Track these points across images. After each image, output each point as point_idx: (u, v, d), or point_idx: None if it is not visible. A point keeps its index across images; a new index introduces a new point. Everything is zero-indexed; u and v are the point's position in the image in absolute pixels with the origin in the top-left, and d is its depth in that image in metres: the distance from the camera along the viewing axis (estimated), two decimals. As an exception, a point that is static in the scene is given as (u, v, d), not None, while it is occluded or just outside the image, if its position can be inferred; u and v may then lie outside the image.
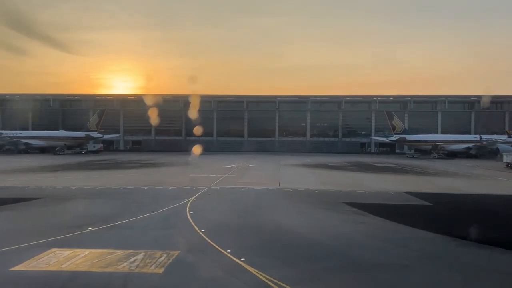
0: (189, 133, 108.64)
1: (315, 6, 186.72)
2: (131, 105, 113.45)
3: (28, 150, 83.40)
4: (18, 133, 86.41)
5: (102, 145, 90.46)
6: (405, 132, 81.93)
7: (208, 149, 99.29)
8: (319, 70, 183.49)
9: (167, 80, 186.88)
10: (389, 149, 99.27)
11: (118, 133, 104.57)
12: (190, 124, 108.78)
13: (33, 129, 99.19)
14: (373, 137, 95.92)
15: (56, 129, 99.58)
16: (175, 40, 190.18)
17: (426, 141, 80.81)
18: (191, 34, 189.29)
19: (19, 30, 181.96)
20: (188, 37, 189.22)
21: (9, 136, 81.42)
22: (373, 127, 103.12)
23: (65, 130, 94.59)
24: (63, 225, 16.80)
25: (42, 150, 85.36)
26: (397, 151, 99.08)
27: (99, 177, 37.29)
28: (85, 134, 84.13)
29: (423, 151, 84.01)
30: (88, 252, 12.61)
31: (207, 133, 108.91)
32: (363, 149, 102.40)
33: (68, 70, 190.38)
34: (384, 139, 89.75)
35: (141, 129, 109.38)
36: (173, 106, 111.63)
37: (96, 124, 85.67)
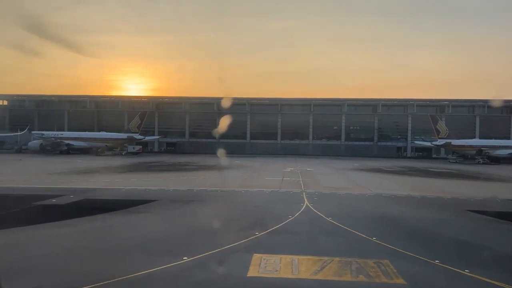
0: (223, 135, 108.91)
1: (339, 8, 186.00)
2: (165, 107, 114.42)
3: (70, 151, 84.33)
4: (59, 134, 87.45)
5: (141, 146, 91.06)
6: (449, 136, 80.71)
7: (241, 152, 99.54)
8: (335, 73, 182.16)
9: (180, 82, 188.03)
10: (424, 153, 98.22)
11: (153, 134, 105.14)
12: (223, 126, 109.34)
13: (69, 130, 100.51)
14: (416, 141, 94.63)
15: (92, 130, 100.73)
16: (187, 43, 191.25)
17: (471, 146, 79.51)
18: (203, 37, 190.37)
19: (33, 32, 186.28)
20: (200, 41, 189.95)
21: (53, 137, 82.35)
22: (409, 131, 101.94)
23: (99, 132, 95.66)
24: (223, 229, 16.69)
25: (82, 151, 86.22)
26: (433, 155, 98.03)
27: (175, 179, 37.35)
28: (127, 136, 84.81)
29: (462, 155, 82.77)
30: (296, 258, 12.41)
31: (240, 135, 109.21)
32: (399, 153, 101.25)
33: (82, 71, 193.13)
34: (427, 143, 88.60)
35: (175, 131, 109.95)
36: (207, 108, 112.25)
37: (138, 126, 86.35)
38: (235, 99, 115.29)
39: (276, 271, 11.26)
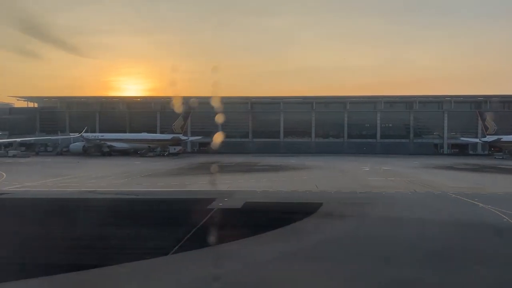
0: (256, 134, 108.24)
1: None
2: (197, 107, 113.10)
3: (111, 152, 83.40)
4: (99, 135, 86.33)
5: (181, 147, 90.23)
6: (497, 132, 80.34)
7: (275, 151, 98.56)
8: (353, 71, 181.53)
9: (182, 83, 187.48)
10: (460, 150, 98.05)
11: (185, 135, 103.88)
12: (256, 125, 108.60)
13: (100, 131, 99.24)
14: (462, 138, 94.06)
15: (124, 131, 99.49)
16: (187, 43, 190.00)
17: (521, 142, 79.16)
18: (204, 37, 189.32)
19: (32, 34, 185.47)
20: (201, 41, 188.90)
21: (98, 139, 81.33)
22: (445, 128, 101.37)
23: (132, 132, 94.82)
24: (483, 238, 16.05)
25: (122, 153, 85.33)
26: (470, 152, 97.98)
27: (278, 179, 36.61)
28: (172, 137, 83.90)
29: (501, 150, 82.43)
30: None
31: (272, 134, 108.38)
32: (435, 150, 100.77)
33: (81, 73, 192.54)
34: (475, 140, 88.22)
35: (208, 131, 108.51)
36: (239, 108, 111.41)
37: (181, 126, 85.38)
38: (268, 98, 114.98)
39: None
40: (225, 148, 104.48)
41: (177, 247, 13.67)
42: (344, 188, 30.19)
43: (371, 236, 15.80)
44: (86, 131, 79.29)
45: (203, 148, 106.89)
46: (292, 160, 67.57)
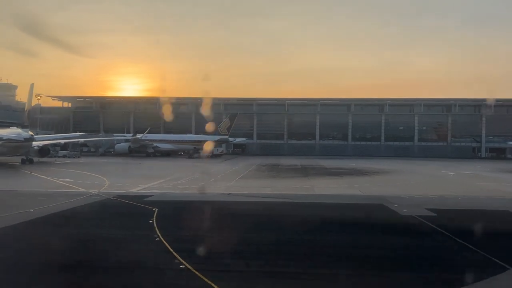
0: (291, 136, 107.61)
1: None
2: (231, 108, 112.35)
3: (156, 153, 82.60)
4: (142, 136, 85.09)
5: (223, 148, 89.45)
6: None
7: (309, 153, 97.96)
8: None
9: (178, 82, 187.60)
10: (498, 154, 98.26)
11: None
12: (291, 127, 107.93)
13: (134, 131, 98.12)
14: (509, 142, 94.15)
15: (158, 132, 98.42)
16: (185, 43, 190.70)
17: None
18: (201, 37, 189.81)
19: (30, 33, 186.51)
20: (199, 41, 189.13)
21: (149, 140, 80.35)
22: (483, 131, 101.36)
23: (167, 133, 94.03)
24: None
25: (165, 153, 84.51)
26: (508, 155, 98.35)
27: (394, 183, 35.95)
28: (219, 138, 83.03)
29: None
30: None
31: (308, 136, 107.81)
32: (473, 154, 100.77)
33: (79, 72, 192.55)
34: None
35: (243, 132, 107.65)
36: (275, 109, 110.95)
37: (228, 127, 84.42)
38: (304, 100, 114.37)
39: None
40: (260, 150, 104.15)
41: (492, 262, 12.84)
42: (482, 194, 29.52)
43: None
44: (148, 132, 78.64)
45: (237, 149, 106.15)
46: (352, 164, 66.63)
